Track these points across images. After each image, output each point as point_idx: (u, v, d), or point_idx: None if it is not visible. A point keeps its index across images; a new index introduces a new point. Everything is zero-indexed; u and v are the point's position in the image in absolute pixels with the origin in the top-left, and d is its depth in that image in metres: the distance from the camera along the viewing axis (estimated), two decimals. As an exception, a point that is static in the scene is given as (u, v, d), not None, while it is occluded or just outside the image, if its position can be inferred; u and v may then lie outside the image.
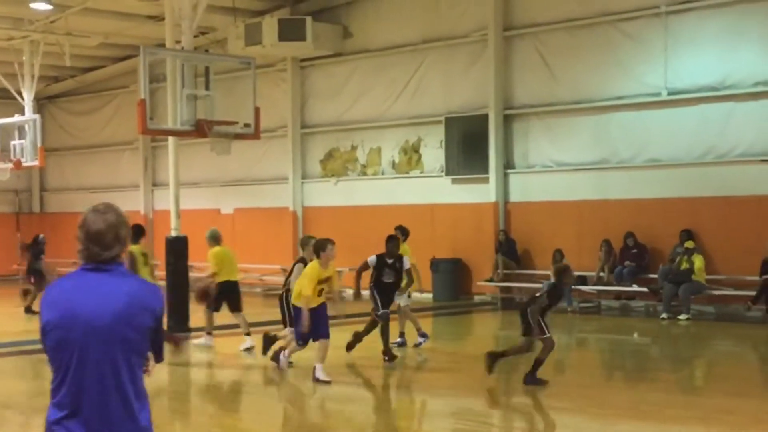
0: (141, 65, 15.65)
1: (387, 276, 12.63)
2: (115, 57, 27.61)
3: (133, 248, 11.91)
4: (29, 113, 23.69)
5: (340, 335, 12.56)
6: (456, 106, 21.03)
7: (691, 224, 17.62)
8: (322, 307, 11.18)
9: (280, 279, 24.21)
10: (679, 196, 17.94)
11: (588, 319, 18.15)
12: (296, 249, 24.22)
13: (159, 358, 3.83)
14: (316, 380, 11.01)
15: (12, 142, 23.60)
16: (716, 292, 17.29)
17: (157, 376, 11.49)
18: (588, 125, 19.27)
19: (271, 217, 24.66)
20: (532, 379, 10.59)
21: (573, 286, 18.73)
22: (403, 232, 14.01)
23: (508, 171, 20.36)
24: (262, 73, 21.63)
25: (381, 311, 12.53)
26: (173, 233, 16.74)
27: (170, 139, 17.03)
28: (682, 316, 16.97)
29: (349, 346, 12.84)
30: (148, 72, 15.48)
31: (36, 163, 23.54)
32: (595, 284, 18.78)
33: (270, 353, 12.28)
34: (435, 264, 20.37)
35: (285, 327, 12.45)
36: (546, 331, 10.53)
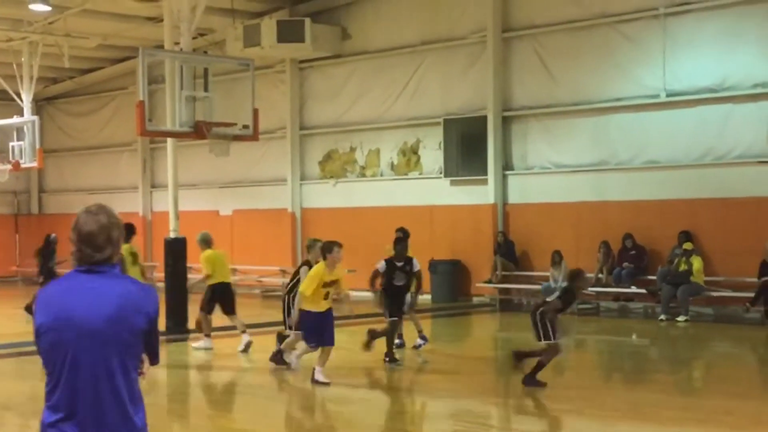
0: (140, 67, 15.66)
1: (398, 279, 12.56)
2: (114, 58, 27.61)
3: (123, 247, 11.87)
4: (28, 114, 23.68)
5: (341, 337, 12.53)
6: (455, 107, 21.04)
7: (689, 226, 17.63)
8: (329, 312, 11.13)
9: (278, 280, 24.28)
10: (678, 197, 17.95)
11: (586, 321, 18.16)
12: (295, 250, 24.27)
13: (154, 361, 3.79)
14: (315, 382, 11.00)
15: (11, 144, 23.59)
16: (715, 294, 17.31)
17: (156, 378, 11.50)
18: (587, 127, 19.28)
19: (269, 218, 24.66)
20: (531, 381, 10.60)
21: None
22: (405, 233, 13.96)
23: (507, 172, 20.36)
24: (260, 74, 21.62)
25: (390, 319, 12.48)
26: (172, 234, 16.74)
27: (169, 140, 17.03)
28: (681, 318, 16.98)
29: (368, 345, 12.65)
30: (146, 73, 15.49)
31: (35, 164, 23.52)
32: (593, 286, 18.77)
33: (285, 353, 12.17)
34: (434, 265, 20.36)
35: (286, 329, 12.39)
36: (553, 337, 10.47)
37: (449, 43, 21.06)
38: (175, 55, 16.26)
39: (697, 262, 17.08)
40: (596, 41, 18.96)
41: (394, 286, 12.54)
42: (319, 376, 11.01)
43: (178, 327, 15.79)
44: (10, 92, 24.27)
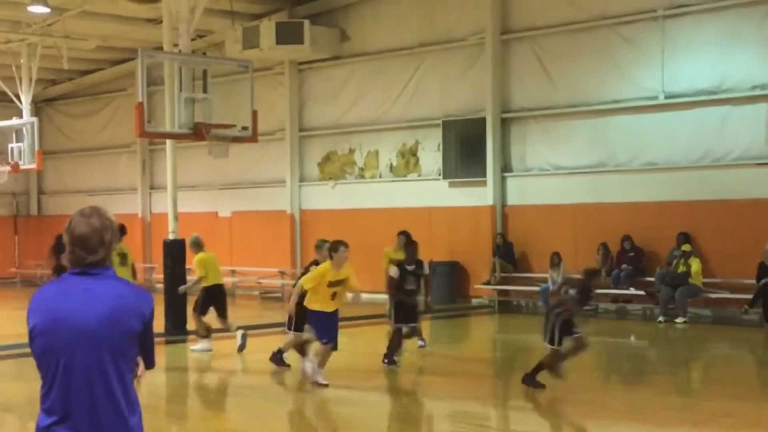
0: (139, 68, 15.67)
1: (409, 283, 12.48)
2: (113, 60, 27.64)
3: None
4: (27, 116, 23.70)
5: (340, 339, 12.53)
6: (453, 109, 21.06)
7: (688, 227, 17.65)
8: (336, 313, 11.05)
9: (277, 282, 24.31)
10: (676, 199, 17.97)
11: (585, 322, 18.10)
12: (294, 252, 24.31)
13: (149, 364, 3.78)
14: (315, 383, 11.00)
15: (10, 145, 23.63)
16: (713, 296, 17.33)
17: (155, 380, 11.52)
18: (585, 129, 19.31)
19: (268, 220, 24.67)
20: (530, 381, 10.60)
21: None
22: (407, 237, 13.89)
23: (506, 174, 20.38)
24: (259, 76, 21.65)
25: (395, 326, 12.42)
26: (171, 236, 16.75)
27: (168, 142, 17.05)
28: (679, 320, 17.00)
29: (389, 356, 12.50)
30: (145, 75, 15.49)
31: (33, 166, 23.55)
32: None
33: (302, 360, 11.99)
34: (432, 267, 20.30)
35: (289, 330, 12.31)
36: (558, 343, 10.41)
37: (448, 45, 21.08)
38: (174, 57, 16.28)
39: (695, 264, 17.11)
40: (595, 43, 18.98)
41: (406, 290, 12.42)
42: (318, 378, 11.00)
43: (177, 329, 15.78)
44: (9, 94, 24.28)
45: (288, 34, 21.56)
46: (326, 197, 23.65)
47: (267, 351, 12.73)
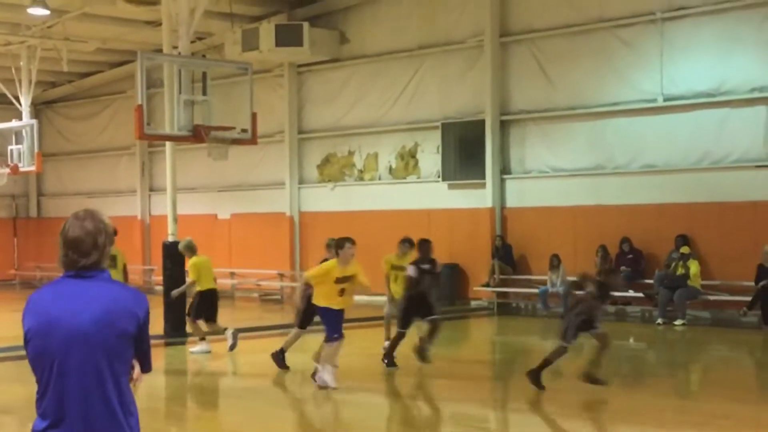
0: (138, 71, 15.68)
1: (425, 281, 12.33)
2: (113, 62, 27.65)
3: None
4: (26, 118, 23.72)
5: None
6: (453, 111, 21.08)
7: (686, 230, 17.67)
8: (342, 312, 10.95)
9: (276, 284, 24.32)
10: (675, 201, 17.99)
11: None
12: (293, 254, 24.32)
13: (146, 368, 3.75)
14: (322, 384, 10.88)
15: (9, 147, 23.64)
16: (712, 298, 17.34)
17: (154, 382, 11.52)
18: (584, 131, 19.33)
19: (268, 222, 24.68)
20: (533, 377, 10.56)
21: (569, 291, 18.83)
22: (411, 244, 13.87)
23: (505, 176, 20.40)
24: (259, 78, 21.66)
25: (400, 330, 12.32)
26: (170, 238, 16.74)
27: (167, 144, 17.06)
28: (678, 322, 17.01)
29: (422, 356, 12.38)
30: (145, 77, 15.50)
31: (33, 168, 23.56)
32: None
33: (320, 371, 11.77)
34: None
35: (296, 327, 12.30)
36: (565, 339, 10.40)
37: (447, 47, 21.10)
38: (174, 59, 16.29)
39: (694, 266, 17.12)
40: (594, 46, 19.00)
41: (420, 290, 12.29)
42: (327, 378, 10.87)
43: (176, 331, 15.78)
44: (9, 96, 24.30)
45: (287, 37, 21.58)
46: (325, 199, 23.66)
47: (266, 353, 12.74)
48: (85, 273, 3.54)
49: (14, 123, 23.73)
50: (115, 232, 13.02)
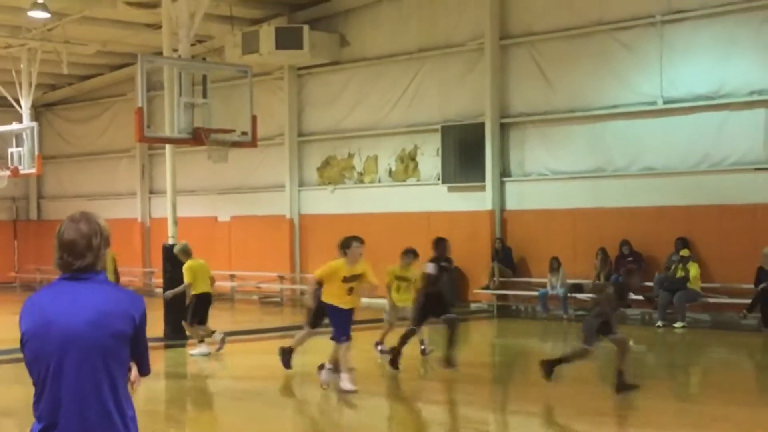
0: (138, 73, 15.70)
1: (443, 279, 12.29)
2: (113, 65, 27.68)
3: None
4: (27, 121, 23.75)
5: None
6: (452, 114, 21.10)
7: (686, 232, 17.68)
8: (351, 311, 10.85)
9: (276, 286, 24.33)
10: (675, 204, 18.00)
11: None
12: (293, 256, 24.34)
13: (144, 370, 3.74)
14: (342, 392, 10.71)
15: (9, 150, 23.66)
16: (711, 300, 17.35)
17: (154, 385, 11.53)
18: (584, 134, 19.35)
19: (267, 224, 24.70)
20: (547, 367, 10.57)
21: (569, 294, 18.84)
22: (414, 254, 13.85)
23: (505, 179, 20.42)
24: (259, 81, 21.69)
25: (410, 328, 12.26)
26: (170, 241, 16.75)
27: (167, 146, 17.07)
28: (678, 324, 17.02)
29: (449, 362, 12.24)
30: (145, 80, 15.52)
31: (33, 170, 23.58)
32: (590, 292, 18.81)
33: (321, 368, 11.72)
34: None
35: (307, 327, 12.26)
36: (586, 342, 10.32)
37: (447, 50, 21.13)
38: (174, 62, 16.31)
39: (693, 269, 17.13)
40: (593, 48, 19.03)
41: (438, 288, 12.18)
42: (346, 385, 10.73)
43: (176, 333, 15.79)
44: (9, 99, 24.34)
45: (287, 40, 21.61)
46: (325, 202, 23.68)
47: (266, 355, 12.75)
48: (81, 275, 3.55)
49: (14, 126, 23.75)
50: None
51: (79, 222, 3.60)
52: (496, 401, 11.51)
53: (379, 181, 22.75)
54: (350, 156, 23.30)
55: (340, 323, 10.81)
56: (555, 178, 19.72)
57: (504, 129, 20.40)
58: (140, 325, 3.58)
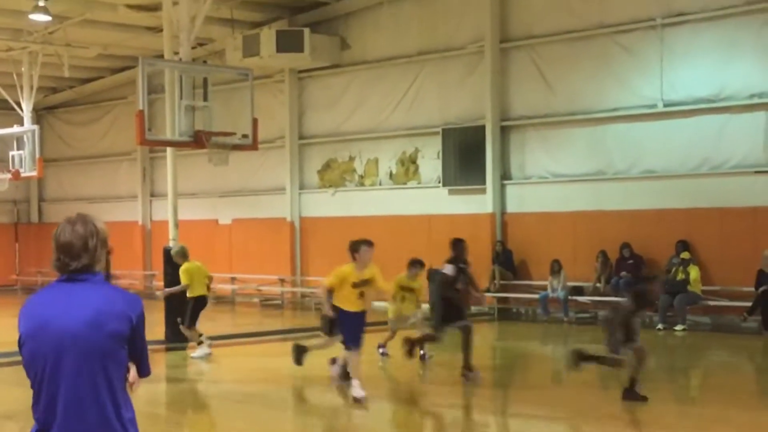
0: (139, 76, 15.72)
1: (460, 282, 12.04)
2: (114, 68, 27.71)
3: None
4: (28, 124, 23.77)
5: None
6: (453, 117, 21.12)
7: (686, 235, 17.69)
8: (363, 314, 10.64)
9: (277, 289, 24.34)
10: (675, 207, 18.02)
11: (584, 330, 18.18)
12: (294, 259, 24.34)
13: (144, 371, 3.73)
14: (354, 399, 10.55)
15: (11, 153, 23.70)
16: (712, 303, 17.36)
17: (155, 387, 11.54)
18: (584, 136, 19.36)
19: (268, 227, 24.71)
20: (577, 358, 10.44)
21: (570, 297, 18.85)
22: (421, 265, 13.79)
23: (505, 182, 20.43)
24: (259, 84, 21.71)
25: (432, 334, 12.11)
26: (171, 244, 16.76)
27: (168, 149, 17.09)
28: (678, 327, 17.03)
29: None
30: (146, 83, 15.54)
31: (34, 173, 23.61)
32: (591, 295, 18.85)
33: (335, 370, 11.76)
34: (431, 274, 20.36)
35: (326, 335, 12.23)
36: (617, 350, 10.09)
37: (447, 53, 21.15)
38: (175, 65, 16.33)
39: (694, 272, 17.14)
40: (594, 51, 19.04)
41: (457, 289, 11.92)
42: (357, 392, 10.55)
43: (177, 336, 15.80)
44: (11, 102, 24.37)
45: (288, 43, 21.63)
46: (326, 205, 23.69)
47: (267, 358, 12.76)
48: (77, 276, 3.55)
49: (16, 128, 23.78)
50: None
51: (75, 224, 3.61)
52: (497, 404, 11.51)
53: (380, 184, 22.77)
54: (351, 159, 23.32)
55: (350, 329, 10.60)
56: (555, 181, 19.73)
57: (504, 132, 20.42)
58: (137, 326, 3.57)
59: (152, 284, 26.68)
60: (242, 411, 10.78)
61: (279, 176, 24.43)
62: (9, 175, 23.54)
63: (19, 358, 3.54)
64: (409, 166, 22.21)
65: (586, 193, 19.24)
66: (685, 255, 17.25)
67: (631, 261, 18.29)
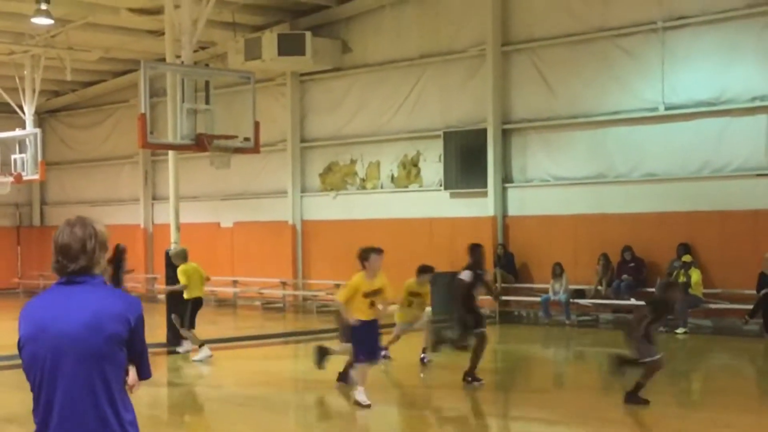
0: (141, 79, 15.74)
1: (478, 288, 11.94)
2: (116, 71, 27.75)
3: None
4: (30, 127, 23.80)
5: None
6: (454, 120, 21.13)
7: (688, 238, 17.70)
8: (375, 323, 10.54)
9: (279, 292, 24.35)
10: (676, 210, 18.02)
11: (585, 333, 18.20)
12: (295, 262, 24.36)
13: (144, 374, 3.72)
14: (357, 402, 10.57)
15: (13, 156, 23.72)
16: (713, 306, 17.36)
17: (156, 390, 11.55)
18: (585, 140, 19.37)
19: (270, 230, 24.73)
20: (618, 365, 10.39)
21: (571, 300, 18.84)
22: (431, 272, 13.75)
23: (507, 185, 20.44)
24: (261, 87, 21.72)
25: (462, 345, 11.99)
26: (173, 247, 16.78)
27: (170, 153, 17.12)
28: (680, 330, 17.03)
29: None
30: (148, 86, 15.57)
31: (36, 176, 23.64)
32: (592, 298, 18.84)
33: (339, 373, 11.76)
34: (433, 278, 20.35)
35: (345, 343, 12.20)
36: (650, 353, 10.00)
37: (449, 57, 21.17)
38: (177, 68, 16.36)
39: (695, 275, 17.14)
40: (595, 55, 19.06)
41: (474, 296, 11.79)
42: (361, 397, 10.53)
43: (178, 339, 15.81)
44: (13, 105, 24.41)
45: (290, 46, 21.66)
46: (328, 208, 23.71)
47: (268, 361, 12.77)
48: (76, 278, 3.56)
49: (18, 132, 23.82)
50: None
51: (74, 226, 3.62)
52: (499, 407, 11.52)
53: (382, 187, 22.78)
54: (352, 162, 23.34)
55: (360, 341, 10.50)
56: (557, 184, 19.74)
57: (506, 135, 20.43)
58: (136, 328, 3.57)
59: (154, 287, 26.69)
60: (243, 414, 10.78)
61: (281, 179, 24.45)
62: (11, 179, 23.57)
63: (19, 361, 3.55)
64: (410, 170, 22.23)
65: (587, 196, 19.24)
66: (686, 258, 17.26)
67: (632, 264, 18.29)
